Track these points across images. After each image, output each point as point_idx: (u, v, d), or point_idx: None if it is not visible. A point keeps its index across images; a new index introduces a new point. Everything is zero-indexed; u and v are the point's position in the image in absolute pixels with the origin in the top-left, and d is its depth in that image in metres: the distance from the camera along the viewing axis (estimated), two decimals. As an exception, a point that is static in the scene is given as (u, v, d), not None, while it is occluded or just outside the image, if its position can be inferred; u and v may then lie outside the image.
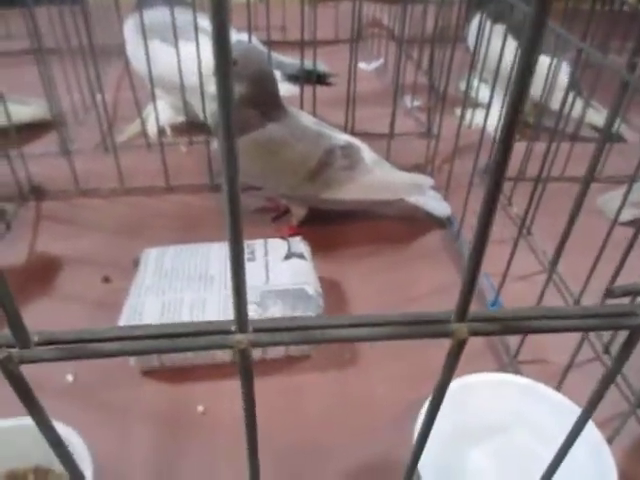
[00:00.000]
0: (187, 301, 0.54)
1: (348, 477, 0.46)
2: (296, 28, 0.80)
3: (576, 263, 0.53)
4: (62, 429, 0.38)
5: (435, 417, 0.19)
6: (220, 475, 0.46)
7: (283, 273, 0.58)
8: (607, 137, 0.45)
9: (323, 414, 0.51)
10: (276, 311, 0.53)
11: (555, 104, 0.68)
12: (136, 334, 0.16)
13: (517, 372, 0.53)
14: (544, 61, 0.69)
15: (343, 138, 0.71)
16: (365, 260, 0.70)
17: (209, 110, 0.78)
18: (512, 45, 0.73)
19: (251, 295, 0.54)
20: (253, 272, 0.57)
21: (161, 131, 0.87)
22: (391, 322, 0.17)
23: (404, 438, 0.41)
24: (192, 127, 0.89)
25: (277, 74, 0.72)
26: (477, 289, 0.61)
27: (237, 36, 0.81)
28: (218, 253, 0.61)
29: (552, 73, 0.73)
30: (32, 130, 0.90)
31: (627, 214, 0.69)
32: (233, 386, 0.52)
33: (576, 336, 0.51)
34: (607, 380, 0.19)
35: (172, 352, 0.16)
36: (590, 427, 0.41)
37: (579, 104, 0.72)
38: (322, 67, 0.86)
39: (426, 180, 0.75)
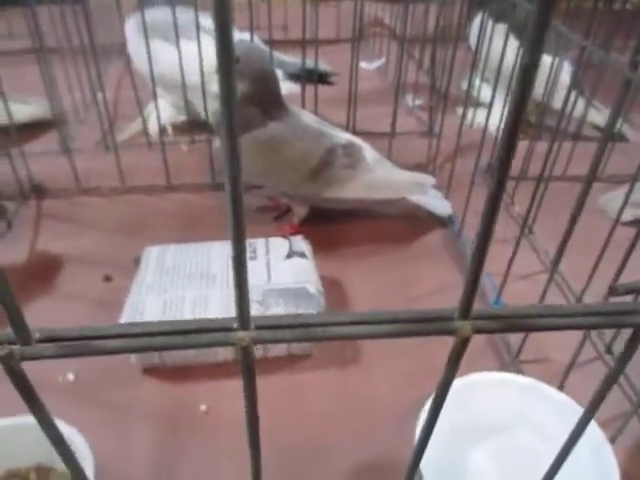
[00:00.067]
0: (189, 299, 0.54)
1: (350, 476, 0.46)
2: (298, 27, 0.80)
3: (578, 263, 0.53)
4: (63, 428, 0.38)
5: (438, 416, 0.19)
6: (222, 474, 0.46)
7: (285, 272, 0.58)
8: (609, 136, 0.45)
9: (325, 413, 0.51)
10: (278, 310, 0.53)
11: (557, 103, 0.68)
12: (138, 331, 0.16)
13: (519, 371, 0.53)
14: (546, 60, 0.69)
15: (344, 137, 0.71)
16: (366, 259, 0.70)
17: (210, 109, 0.78)
18: (514, 44, 0.73)
19: (253, 294, 0.54)
20: (255, 271, 0.57)
21: (162, 130, 0.86)
22: (394, 320, 0.16)
23: (406, 436, 0.41)
24: (193, 126, 0.89)
25: (279, 73, 0.72)
26: (479, 288, 0.61)
27: (239, 35, 0.81)
28: (220, 252, 0.61)
29: (554, 72, 0.73)
30: (33, 129, 0.90)
31: (629, 214, 0.69)
32: (235, 385, 0.52)
33: (578, 335, 0.51)
34: (610, 379, 0.19)
35: (174, 349, 0.16)
36: (592, 427, 0.40)
37: (581, 103, 0.71)
38: (324, 66, 0.86)
39: (428, 179, 0.75)
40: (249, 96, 0.64)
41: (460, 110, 0.82)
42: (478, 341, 0.58)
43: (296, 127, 0.68)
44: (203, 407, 0.51)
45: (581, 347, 0.50)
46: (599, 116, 0.90)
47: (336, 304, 0.61)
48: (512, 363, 0.55)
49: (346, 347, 0.58)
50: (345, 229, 0.75)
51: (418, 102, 1.05)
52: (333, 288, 0.64)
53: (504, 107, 0.76)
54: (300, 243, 0.62)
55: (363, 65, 1.17)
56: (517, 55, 0.72)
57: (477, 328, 0.16)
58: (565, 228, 0.49)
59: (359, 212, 0.77)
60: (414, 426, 0.41)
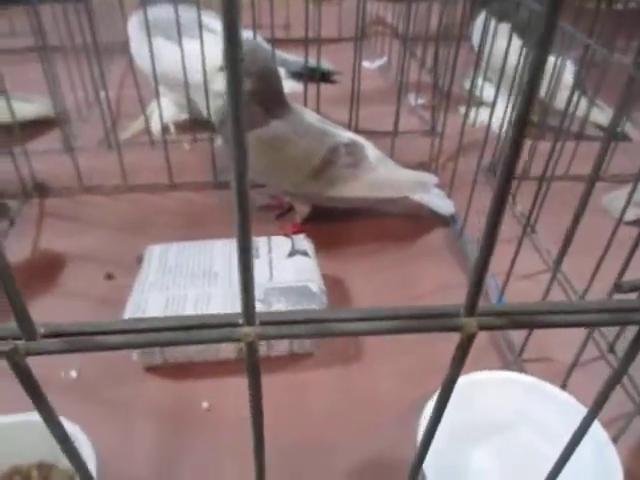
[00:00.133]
0: (191, 297, 0.54)
1: (352, 473, 0.46)
2: (300, 26, 0.80)
3: (580, 262, 0.53)
4: (66, 425, 0.38)
5: (442, 413, 0.19)
6: (224, 472, 0.46)
7: (287, 270, 0.58)
8: (612, 135, 0.45)
9: (327, 411, 0.51)
10: (280, 308, 0.53)
11: (560, 103, 0.68)
12: (142, 327, 0.16)
13: (521, 370, 0.53)
14: (549, 60, 0.68)
15: (347, 136, 0.71)
16: (369, 257, 0.70)
17: (213, 107, 0.78)
18: (517, 44, 0.73)
19: (255, 292, 0.54)
20: (257, 269, 0.57)
21: (165, 128, 0.87)
22: (399, 316, 0.16)
23: (408, 434, 0.41)
24: (196, 124, 0.89)
25: (281, 71, 0.72)
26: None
27: (242, 34, 0.81)
28: (222, 250, 0.61)
29: (557, 72, 0.73)
30: (36, 127, 0.91)
31: (632, 213, 0.68)
32: (237, 383, 0.53)
33: (580, 334, 0.51)
34: (614, 379, 0.19)
35: (179, 345, 0.16)
36: (595, 426, 0.40)
37: (584, 103, 0.71)
38: (326, 65, 0.86)
39: (430, 178, 0.74)
40: (252, 94, 0.64)
41: (462, 109, 0.82)
42: (481, 340, 0.58)
43: (299, 126, 0.68)
44: (205, 405, 0.51)
45: (584, 346, 0.50)
46: (602, 115, 0.90)
47: (338, 302, 0.61)
48: (515, 362, 0.55)
49: (348, 345, 0.58)
50: (347, 228, 0.75)
51: (420, 101, 1.05)
52: (335, 287, 0.64)
53: (507, 106, 0.76)
54: (302, 242, 0.62)
55: (365, 64, 1.16)
56: (520, 54, 0.72)
57: (483, 324, 0.16)
58: (568, 227, 0.49)
59: (361, 211, 0.77)
60: (416, 424, 0.41)
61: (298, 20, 0.86)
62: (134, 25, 0.85)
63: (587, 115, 0.72)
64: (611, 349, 0.56)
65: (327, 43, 0.86)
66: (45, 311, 0.56)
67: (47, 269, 0.66)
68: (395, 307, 0.17)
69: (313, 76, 0.83)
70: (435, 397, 0.43)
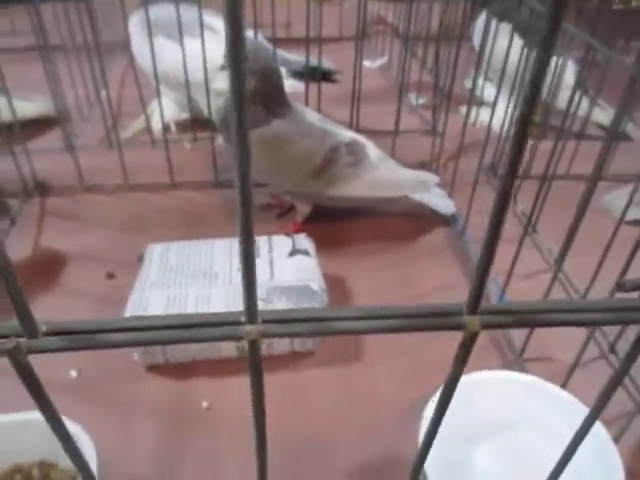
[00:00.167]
0: (192, 296, 0.54)
1: (353, 472, 0.46)
2: (301, 25, 0.80)
3: (581, 262, 0.53)
4: (67, 424, 0.38)
5: (444, 413, 0.19)
6: (224, 471, 0.46)
7: (288, 269, 0.58)
8: (616, 134, 0.45)
9: (328, 410, 0.51)
10: (281, 307, 0.53)
11: (561, 103, 0.68)
12: (145, 325, 0.16)
13: (522, 370, 0.53)
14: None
15: (348, 135, 0.71)
16: (370, 257, 0.70)
17: (214, 106, 0.78)
18: (518, 44, 0.73)
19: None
20: (258, 268, 0.57)
21: (165, 127, 0.87)
22: (402, 314, 0.16)
23: (408, 433, 0.41)
24: (196, 123, 0.89)
25: (282, 71, 0.72)
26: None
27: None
28: (222, 249, 0.61)
29: (558, 72, 0.73)
30: (37, 126, 0.91)
31: (633, 213, 0.68)
32: (238, 382, 0.53)
33: (581, 334, 0.51)
34: (616, 380, 0.19)
35: (181, 343, 0.16)
36: (597, 426, 0.40)
37: (585, 103, 0.71)
38: (327, 64, 0.86)
39: (431, 177, 0.74)
40: (253, 94, 0.64)
41: (463, 109, 0.82)
42: (481, 339, 0.58)
43: (300, 125, 0.68)
44: (205, 404, 0.51)
45: (585, 346, 0.50)
46: (603, 115, 0.90)
47: (339, 302, 0.61)
48: (516, 361, 0.55)
49: (349, 344, 0.57)
50: (348, 227, 0.75)
51: (421, 101, 1.05)
52: (336, 286, 0.64)
53: (508, 106, 0.76)
54: (303, 241, 0.62)
55: (366, 63, 1.16)
56: (521, 54, 0.72)
57: (486, 323, 0.16)
58: (569, 227, 0.49)
59: (362, 210, 0.77)
60: (416, 423, 0.41)
61: (299, 19, 0.86)
62: (135, 24, 0.85)
63: (589, 115, 0.72)
64: (612, 349, 0.56)
65: (328, 42, 0.86)
66: (46, 310, 0.56)
67: (48, 268, 0.66)
68: (397, 306, 0.17)
69: (314, 75, 0.83)
70: (436, 396, 0.43)
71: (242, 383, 0.52)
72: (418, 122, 1.00)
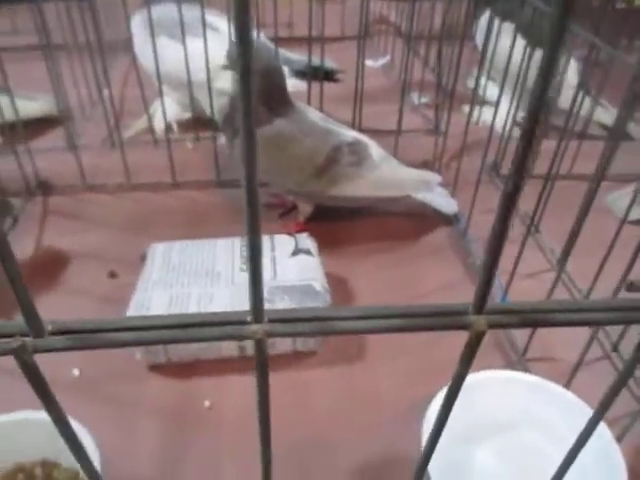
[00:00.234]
0: (194, 296, 0.54)
1: (355, 472, 0.46)
2: (303, 25, 0.80)
3: (584, 262, 0.53)
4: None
5: (449, 412, 0.19)
6: (226, 470, 0.46)
7: (290, 269, 0.58)
8: (618, 134, 0.45)
9: (330, 409, 0.51)
10: (283, 307, 0.53)
11: (563, 102, 0.68)
12: (151, 324, 0.16)
13: (525, 370, 0.53)
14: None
15: (350, 134, 0.71)
16: (372, 257, 0.69)
17: (216, 106, 0.78)
18: (520, 44, 0.72)
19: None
20: (260, 268, 0.57)
21: (168, 127, 0.87)
22: (408, 314, 0.16)
23: (410, 433, 0.41)
24: (199, 123, 0.89)
25: (285, 70, 0.72)
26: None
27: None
28: (224, 249, 0.61)
29: (561, 71, 0.73)
30: (39, 125, 0.91)
31: (636, 213, 0.68)
32: (239, 381, 0.53)
33: (583, 334, 0.51)
34: (620, 381, 0.19)
35: (187, 342, 0.16)
36: (600, 426, 0.40)
37: (587, 102, 0.71)
38: (329, 64, 0.86)
39: (433, 177, 0.74)
40: (256, 93, 0.64)
41: (466, 108, 0.82)
42: (484, 338, 0.58)
43: (302, 124, 0.68)
44: (207, 403, 0.51)
45: (589, 346, 0.50)
46: (606, 115, 0.90)
47: (341, 301, 0.61)
48: (518, 361, 0.55)
49: (351, 344, 0.57)
50: (351, 227, 0.75)
51: (424, 100, 1.05)
52: (339, 285, 0.64)
53: (510, 105, 0.76)
54: (306, 240, 0.62)
55: (368, 63, 1.16)
56: (524, 54, 0.72)
57: (492, 323, 0.16)
58: (571, 227, 0.49)
59: (365, 210, 0.77)
60: (419, 423, 0.41)
61: (301, 19, 0.86)
62: (138, 24, 0.85)
63: (591, 114, 0.72)
64: (615, 348, 0.56)
65: (330, 42, 0.86)
66: (48, 309, 0.56)
67: (50, 267, 0.66)
68: (403, 305, 0.17)
69: (316, 75, 0.83)
70: (438, 396, 0.43)
71: (244, 382, 0.52)
72: (421, 121, 1.00)
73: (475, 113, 0.94)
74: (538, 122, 0.14)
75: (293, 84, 0.81)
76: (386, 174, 0.71)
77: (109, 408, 0.51)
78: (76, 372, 0.54)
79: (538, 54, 0.67)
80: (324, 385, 0.54)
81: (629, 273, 0.48)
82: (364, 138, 0.72)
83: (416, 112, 1.03)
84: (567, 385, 0.49)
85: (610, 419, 0.43)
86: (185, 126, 0.93)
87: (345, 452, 0.48)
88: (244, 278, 0.56)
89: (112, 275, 0.65)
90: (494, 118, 0.69)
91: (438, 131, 0.92)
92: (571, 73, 0.86)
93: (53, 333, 0.16)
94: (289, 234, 0.64)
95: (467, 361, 0.17)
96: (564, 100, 0.66)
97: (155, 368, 0.54)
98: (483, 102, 0.97)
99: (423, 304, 0.17)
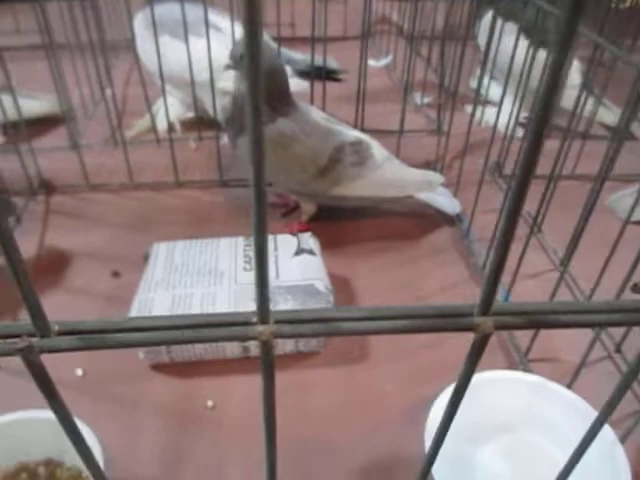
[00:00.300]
0: (197, 296, 0.54)
1: (357, 473, 0.46)
2: (306, 24, 0.80)
3: (586, 262, 0.53)
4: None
5: (455, 413, 0.19)
6: (228, 469, 0.46)
7: (293, 269, 0.58)
8: (622, 134, 0.44)
9: (332, 410, 0.51)
10: (286, 307, 0.53)
11: (565, 102, 0.68)
12: (157, 324, 0.16)
13: (528, 370, 0.53)
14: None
15: (353, 134, 0.71)
16: (374, 256, 0.69)
17: (219, 106, 0.78)
18: (523, 44, 0.72)
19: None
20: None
21: (170, 126, 0.87)
22: (414, 315, 0.16)
23: (413, 434, 0.41)
24: (201, 123, 0.89)
25: (287, 70, 0.72)
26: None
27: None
28: (227, 248, 0.61)
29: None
30: (42, 125, 0.91)
31: (638, 213, 0.68)
32: (242, 381, 0.53)
33: (587, 335, 0.51)
34: (624, 385, 0.19)
35: (194, 342, 0.16)
36: (604, 427, 0.40)
37: (590, 102, 0.71)
38: (332, 63, 0.85)
39: (436, 177, 0.74)
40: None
41: (468, 108, 0.82)
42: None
43: (305, 124, 0.68)
44: (210, 403, 0.51)
45: (592, 346, 0.50)
46: (609, 115, 0.90)
47: (344, 301, 0.61)
48: (521, 362, 0.55)
49: (354, 345, 0.57)
50: (353, 226, 0.75)
51: (426, 100, 1.05)
52: (341, 285, 0.64)
53: (513, 105, 0.76)
54: (308, 240, 0.62)
55: (371, 63, 1.16)
56: (527, 54, 0.72)
57: (499, 324, 0.16)
58: (574, 227, 0.49)
59: (367, 210, 0.77)
60: (422, 423, 0.41)
61: (304, 18, 0.86)
62: (140, 23, 0.85)
63: (594, 114, 0.72)
64: (618, 349, 0.56)
65: (333, 41, 0.86)
66: (51, 308, 0.56)
67: (53, 266, 0.67)
68: (408, 306, 0.17)
69: (319, 74, 0.83)
70: (441, 396, 0.43)
71: (247, 382, 0.52)
72: (423, 121, 1.00)
73: (478, 113, 0.94)
74: (542, 135, 0.14)
75: (296, 84, 0.81)
76: (388, 174, 0.71)
77: (112, 407, 0.51)
78: (79, 372, 0.54)
79: (541, 54, 0.67)
80: (327, 386, 0.54)
81: (632, 274, 0.48)
82: (367, 138, 0.72)
83: (418, 112, 1.03)
84: (570, 385, 0.49)
85: (614, 420, 0.43)
86: (188, 125, 0.93)
87: (348, 453, 0.48)
88: (247, 277, 0.56)
89: (115, 274, 0.65)
90: (497, 118, 0.69)
91: (440, 131, 0.92)
92: (574, 73, 0.86)
93: (59, 333, 0.16)
94: (292, 234, 0.64)
95: (473, 362, 0.17)
96: (567, 100, 0.65)
97: (158, 368, 0.54)
98: (486, 102, 0.97)
99: (428, 305, 0.17)
